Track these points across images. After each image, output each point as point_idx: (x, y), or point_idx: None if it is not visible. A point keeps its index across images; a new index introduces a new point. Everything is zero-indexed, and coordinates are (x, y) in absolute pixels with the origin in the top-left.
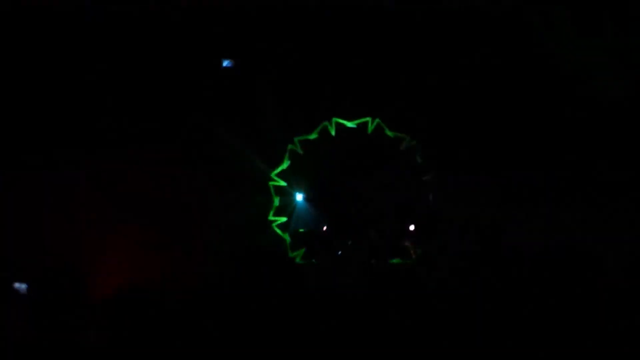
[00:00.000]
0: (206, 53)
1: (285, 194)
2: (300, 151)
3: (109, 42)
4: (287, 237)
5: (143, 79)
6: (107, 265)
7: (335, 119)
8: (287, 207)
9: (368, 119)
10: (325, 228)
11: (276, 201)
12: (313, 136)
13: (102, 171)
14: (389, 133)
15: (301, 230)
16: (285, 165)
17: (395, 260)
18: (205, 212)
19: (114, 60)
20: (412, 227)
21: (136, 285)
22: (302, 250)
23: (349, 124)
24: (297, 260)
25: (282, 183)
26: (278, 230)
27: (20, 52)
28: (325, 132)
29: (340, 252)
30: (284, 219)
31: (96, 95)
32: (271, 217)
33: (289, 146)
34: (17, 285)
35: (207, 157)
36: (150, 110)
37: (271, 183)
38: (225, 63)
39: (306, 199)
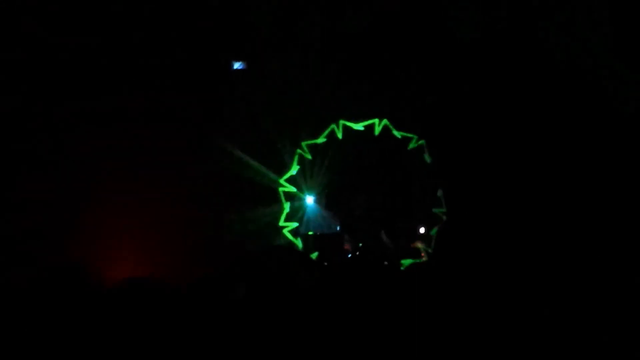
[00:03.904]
0: (210, 59)
1: (295, 200)
2: (308, 156)
3: (116, 44)
4: (299, 242)
5: (153, 83)
6: (114, 261)
7: (342, 122)
8: (297, 212)
9: (375, 120)
10: (338, 229)
11: (286, 207)
12: (321, 140)
13: (111, 170)
14: (396, 133)
15: (310, 232)
16: (294, 170)
17: (406, 262)
18: (213, 213)
19: (122, 63)
20: (422, 230)
21: (142, 281)
22: (315, 254)
23: (357, 126)
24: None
25: (292, 188)
26: (289, 236)
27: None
28: (333, 135)
29: (350, 255)
30: (295, 224)
31: (105, 96)
32: (282, 223)
33: (297, 151)
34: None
35: (216, 159)
36: (156, 111)
37: (280, 189)
38: (237, 65)
39: (316, 201)
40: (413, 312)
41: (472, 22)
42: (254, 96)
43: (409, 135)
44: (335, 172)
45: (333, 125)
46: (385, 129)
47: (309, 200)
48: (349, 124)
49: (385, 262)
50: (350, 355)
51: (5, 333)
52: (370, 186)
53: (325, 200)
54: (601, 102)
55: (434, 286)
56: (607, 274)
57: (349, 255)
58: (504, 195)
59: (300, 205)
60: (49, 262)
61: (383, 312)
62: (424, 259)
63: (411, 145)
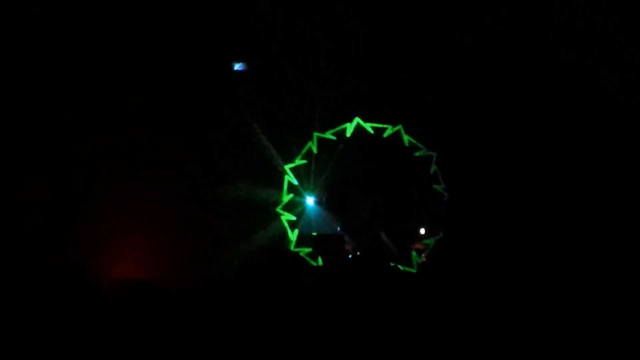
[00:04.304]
0: (210, 60)
1: (297, 193)
2: (294, 180)
3: (116, 44)
4: (294, 235)
5: (153, 83)
6: (114, 261)
7: (316, 134)
8: (297, 204)
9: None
10: (338, 230)
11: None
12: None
13: (111, 169)
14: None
15: (314, 233)
16: (286, 199)
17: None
18: (213, 211)
19: (122, 63)
20: (422, 231)
21: (143, 284)
22: (307, 250)
23: (329, 135)
24: (302, 254)
25: (292, 217)
26: (286, 225)
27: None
28: (344, 133)
29: (350, 256)
30: (292, 217)
31: (105, 96)
32: (279, 210)
33: (285, 178)
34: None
35: (215, 156)
36: (156, 111)
37: (286, 177)
38: (238, 66)
39: (317, 202)
40: (412, 313)
41: (472, 22)
42: (254, 96)
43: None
44: (338, 173)
45: (310, 144)
46: (397, 135)
47: (309, 200)
48: (322, 135)
49: (390, 263)
50: (349, 354)
51: (5, 333)
52: (369, 187)
53: (326, 201)
54: (601, 101)
55: (433, 287)
56: (607, 274)
57: (350, 256)
58: (504, 195)
59: (301, 200)
60: (49, 262)
61: (382, 313)
62: (423, 258)
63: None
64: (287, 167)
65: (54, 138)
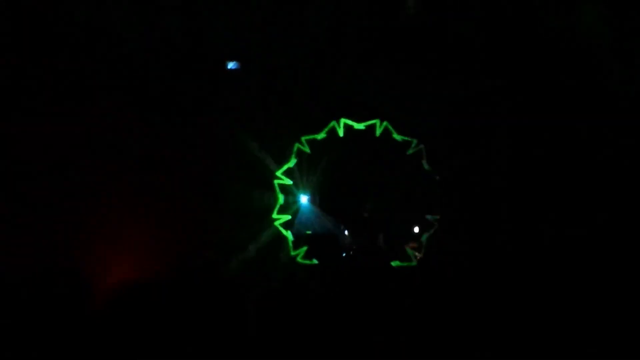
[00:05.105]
0: (211, 54)
1: (290, 193)
2: (307, 150)
3: (112, 42)
4: (289, 235)
5: (149, 78)
6: (109, 263)
7: (343, 120)
8: (291, 205)
9: (376, 121)
10: (332, 229)
11: (281, 199)
12: (321, 136)
13: (106, 168)
14: (396, 137)
15: (308, 232)
16: (291, 163)
17: (395, 263)
18: (210, 208)
19: (118, 61)
20: (416, 229)
21: (139, 283)
22: (304, 249)
23: (358, 126)
24: (299, 259)
25: (288, 181)
26: (281, 229)
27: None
28: (333, 133)
29: (345, 254)
30: (287, 217)
31: (101, 94)
32: (275, 216)
33: (296, 145)
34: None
35: (212, 153)
36: (154, 107)
37: (276, 182)
38: (231, 65)
39: (310, 201)
40: (404, 313)
41: (473, 19)
42: (253, 92)
43: (409, 139)
44: (331, 171)
45: (333, 122)
46: (386, 131)
47: (303, 199)
48: (350, 122)
49: (377, 264)
50: (341, 352)
51: (5, 333)
52: (366, 187)
53: (320, 200)
54: (601, 102)
55: (426, 288)
56: (607, 274)
57: (344, 255)
58: (503, 197)
59: (295, 199)
60: (48, 263)
61: (374, 312)
62: (414, 263)
63: (410, 151)
64: (278, 173)
65: (53, 137)
